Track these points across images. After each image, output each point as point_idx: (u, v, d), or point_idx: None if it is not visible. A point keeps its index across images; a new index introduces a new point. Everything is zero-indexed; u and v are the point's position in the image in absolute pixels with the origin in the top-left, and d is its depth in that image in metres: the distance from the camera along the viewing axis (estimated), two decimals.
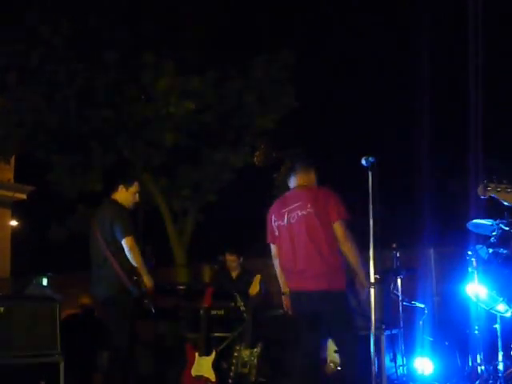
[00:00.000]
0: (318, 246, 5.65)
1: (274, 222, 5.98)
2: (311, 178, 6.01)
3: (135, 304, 6.79)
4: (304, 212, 5.74)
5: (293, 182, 6.04)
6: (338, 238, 5.61)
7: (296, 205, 5.81)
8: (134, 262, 6.69)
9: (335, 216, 5.64)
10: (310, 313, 5.75)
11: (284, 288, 5.98)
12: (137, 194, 7.12)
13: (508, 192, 4.68)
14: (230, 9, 13.76)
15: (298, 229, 5.76)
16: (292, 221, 5.81)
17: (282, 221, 5.89)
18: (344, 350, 5.78)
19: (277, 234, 5.96)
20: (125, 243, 6.70)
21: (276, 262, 6.00)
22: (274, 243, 6.02)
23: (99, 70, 13.22)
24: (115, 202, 7.01)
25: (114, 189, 7.06)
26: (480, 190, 4.44)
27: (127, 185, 7.07)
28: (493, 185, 4.60)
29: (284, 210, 5.90)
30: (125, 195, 7.03)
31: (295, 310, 5.92)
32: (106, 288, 6.78)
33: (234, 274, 9.10)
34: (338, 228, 5.61)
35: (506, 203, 4.67)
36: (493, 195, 4.54)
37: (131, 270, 6.70)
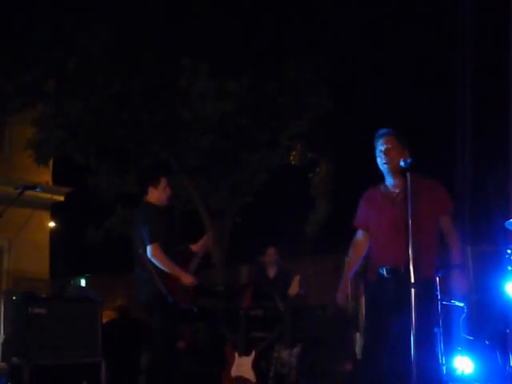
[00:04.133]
0: None
1: None
2: None
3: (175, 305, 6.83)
4: None
5: None
6: None
7: None
8: (163, 268, 6.71)
9: None
10: None
11: None
12: (167, 188, 7.13)
13: None
14: (264, 11, 13.78)
15: None
16: None
17: None
18: None
19: None
20: (149, 250, 6.70)
21: None
22: None
23: (136, 74, 13.33)
24: (148, 205, 7.04)
25: (145, 192, 7.11)
26: None
27: (155, 183, 7.09)
28: None
29: None
30: (156, 194, 7.05)
31: None
32: (145, 290, 6.83)
33: (271, 274, 9.11)
34: None
35: None
36: None
37: (165, 274, 6.74)
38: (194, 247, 7.30)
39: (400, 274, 5.31)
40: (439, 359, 5.81)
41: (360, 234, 5.86)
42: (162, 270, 6.68)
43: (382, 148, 5.56)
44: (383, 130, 5.63)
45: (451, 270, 5.25)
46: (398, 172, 5.43)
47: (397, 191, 5.56)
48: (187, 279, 6.80)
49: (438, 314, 5.86)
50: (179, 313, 6.84)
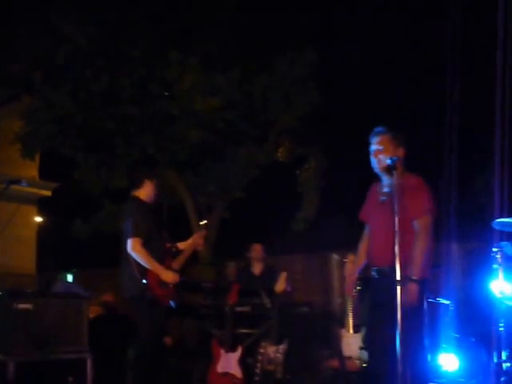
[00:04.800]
0: None
1: None
2: None
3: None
4: None
5: None
6: None
7: None
8: (142, 264, 6.69)
9: None
10: None
11: None
12: (157, 186, 7.15)
13: None
14: (254, 6, 13.77)
15: None
16: None
17: None
18: None
19: None
20: (129, 244, 6.68)
21: None
22: None
23: (124, 68, 13.31)
24: (136, 199, 7.02)
25: (139, 185, 7.05)
26: None
27: (151, 177, 7.09)
28: None
29: None
30: (150, 189, 7.04)
31: None
32: (130, 285, 6.81)
33: (257, 270, 9.06)
34: None
35: None
36: None
37: (146, 269, 6.69)
38: (181, 245, 7.28)
39: (387, 274, 5.27)
40: (427, 358, 5.81)
41: (367, 229, 5.81)
42: (144, 266, 6.66)
43: (374, 148, 5.56)
44: (378, 129, 5.64)
45: (405, 281, 5.05)
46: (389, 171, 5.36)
47: (386, 190, 5.53)
48: (168, 276, 6.76)
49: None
50: (165, 309, 6.82)
